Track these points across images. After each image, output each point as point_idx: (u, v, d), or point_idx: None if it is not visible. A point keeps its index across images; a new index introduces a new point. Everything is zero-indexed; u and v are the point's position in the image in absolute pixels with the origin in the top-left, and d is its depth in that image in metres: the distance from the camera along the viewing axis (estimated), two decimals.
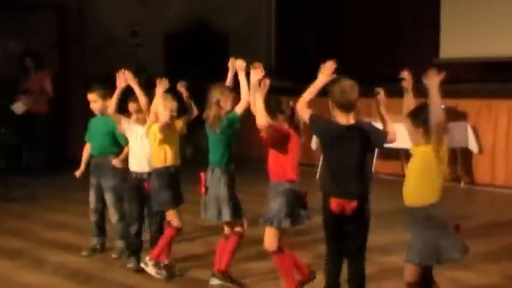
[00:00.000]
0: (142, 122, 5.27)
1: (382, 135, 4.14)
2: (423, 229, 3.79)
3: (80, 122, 11.02)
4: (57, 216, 7.46)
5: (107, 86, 5.73)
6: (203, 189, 4.77)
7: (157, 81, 5.02)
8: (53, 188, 9.24)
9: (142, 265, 5.07)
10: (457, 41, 10.71)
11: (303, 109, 4.11)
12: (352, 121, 4.05)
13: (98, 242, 5.90)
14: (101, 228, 5.91)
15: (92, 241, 5.91)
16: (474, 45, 10.42)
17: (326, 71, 4.07)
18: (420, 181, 3.85)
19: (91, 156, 5.95)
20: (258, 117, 4.22)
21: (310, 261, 5.02)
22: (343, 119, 4.03)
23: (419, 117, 3.89)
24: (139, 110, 5.27)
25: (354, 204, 4.00)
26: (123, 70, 5.28)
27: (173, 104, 5.01)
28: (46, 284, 5.03)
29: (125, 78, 5.22)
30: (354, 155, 4.06)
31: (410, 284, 3.86)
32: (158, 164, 5.07)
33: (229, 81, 5.01)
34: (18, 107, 10.01)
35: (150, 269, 5.02)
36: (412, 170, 3.89)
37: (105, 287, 4.98)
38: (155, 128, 5.00)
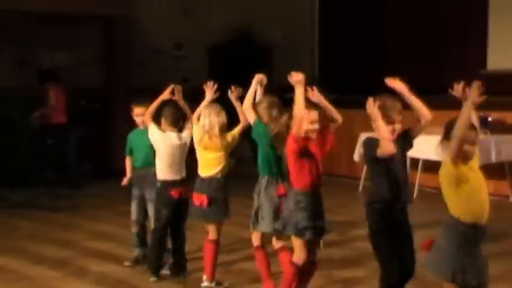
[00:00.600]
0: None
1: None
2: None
3: (124, 133, 11.20)
4: (101, 226, 7.54)
5: (152, 100, 5.80)
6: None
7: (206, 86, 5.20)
8: (98, 199, 9.39)
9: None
10: (505, 53, 10.50)
11: None
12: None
13: (140, 253, 5.94)
14: (142, 239, 5.96)
15: (134, 252, 5.95)
16: None
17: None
18: (446, 193, 3.69)
19: (134, 168, 5.99)
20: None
21: None
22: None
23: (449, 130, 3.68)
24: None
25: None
26: (175, 85, 5.32)
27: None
28: None
29: (171, 92, 5.27)
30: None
31: None
32: (211, 173, 5.08)
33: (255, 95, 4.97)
34: (33, 119, 10.18)
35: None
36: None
37: None
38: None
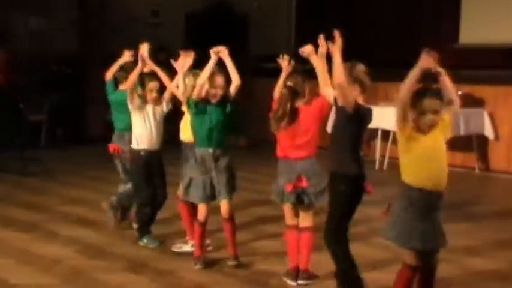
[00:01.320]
0: (157, 101, 5.38)
1: None
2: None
3: (98, 101, 11.17)
4: (72, 191, 7.56)
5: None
6: None
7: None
8: (70, 164, 9.40)
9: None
10: (477, 27, 10.60)
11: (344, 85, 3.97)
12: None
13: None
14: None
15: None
16: (493, 32, 10.30)
17: (338, 44, 4.08)
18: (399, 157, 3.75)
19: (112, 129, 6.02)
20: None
21: None
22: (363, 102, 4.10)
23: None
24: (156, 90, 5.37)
25: None
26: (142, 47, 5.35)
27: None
28: (59, 256, 5.12)
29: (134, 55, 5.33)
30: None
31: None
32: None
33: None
34: None
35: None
36: None
37: (115, 261, 5.06)
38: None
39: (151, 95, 5.38)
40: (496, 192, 8.44)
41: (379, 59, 9.95)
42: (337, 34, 4.00)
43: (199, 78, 4.73)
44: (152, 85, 5.36)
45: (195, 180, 4.84)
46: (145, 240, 5.45)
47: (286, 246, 4.63)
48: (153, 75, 5.40)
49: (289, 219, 4.55)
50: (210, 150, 4.80)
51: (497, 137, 9.08)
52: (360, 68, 4.10)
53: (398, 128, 3.64)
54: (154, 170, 5.46)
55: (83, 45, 11.65)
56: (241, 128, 10.71)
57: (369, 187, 4.10)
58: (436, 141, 3.64)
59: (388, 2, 11.95)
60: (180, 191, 5.10)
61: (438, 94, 3.68)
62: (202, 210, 4.88)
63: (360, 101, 4.05)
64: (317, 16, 13.21)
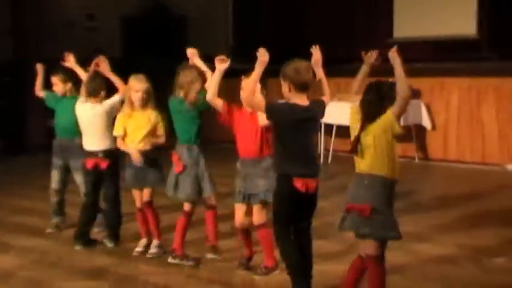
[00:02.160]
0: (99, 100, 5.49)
1: (324, 109, 4.29)
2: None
3: (37, 108, 11.00)
4: (20, 201, 7.45)
5: (67, 70, 6.03)
6: (180, 168, 4.89)
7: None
8: (14, 174, 9.23)
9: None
10: (410, 21, 10.98)
11: (252, 100, 4.17)
12: (307, 102, 4.14)
13: (60, 220, 6.12)
14: (62, 207, 6.16)
15: (54, 219, 6.10)
16: (426, 26, 10.70)
17: (261, 60, 4.12)
18: (381, 151, 3.85)
19: (54, 137, 6.02)
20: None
21: None
22: (300, 100, 4.11)
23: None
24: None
25: (316, 182, 4.17)
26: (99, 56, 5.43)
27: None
28: (14, 267, 5.07)
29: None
30: (313, 136, 4.31)
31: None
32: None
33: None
34: None
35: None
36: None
37: (74, 269, 5.05)
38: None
39: None
40: (436, 180, 8.78)
41: (322, 56, 10.20)
42: (261, 51, 4.11)
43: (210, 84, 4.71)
44: None
45: None
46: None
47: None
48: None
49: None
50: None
51: (434, 127, 9.44)
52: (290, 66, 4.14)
53: (398, 123, 3.85)
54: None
55: (18, 51, 11.43)
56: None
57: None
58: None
59: (323, 2, 12.23)
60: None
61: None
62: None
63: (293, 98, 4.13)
64: (254, 15, 13.39)
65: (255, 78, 4.10)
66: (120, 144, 5.23)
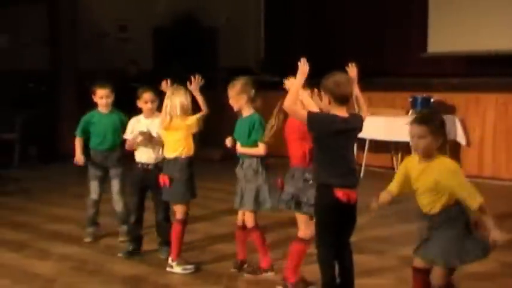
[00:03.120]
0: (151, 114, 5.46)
1: (362, 123, 4.27)
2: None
3: (71, 117, 11.11)
4: (55, 209, 7.51)
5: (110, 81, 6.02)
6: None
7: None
8: (47, 182, 9.33)
9: (168, 269, 5.15)
10: (445, 36, 10.91)
11: (294, 109, 4.16)
12: (346, 114, 4.14)
13: (96, 229, 6.17)
14: (97, 217, 6.20)
15: (90, 229, 6.14)
16: (461, 40, 10.63)
17: (302, 70, 4.11)
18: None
19: (93, 149, 6.03)
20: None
21: None
22: (340, 111, 4.11)
23: (437, 126, 3.80)
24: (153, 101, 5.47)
25: (356, 193, 4.14)
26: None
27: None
28: (54, 274, 5.10)
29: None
30: (352, 146, 4.29)
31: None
32: (175, 154, 5.15)
33: None
34: None
35: (176, 269, 5.13)
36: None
37: (111, 277, 5.06)
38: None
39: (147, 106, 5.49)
40: None
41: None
42: (302, 61, 4.09)
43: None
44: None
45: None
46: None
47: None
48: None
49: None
50: None
51: (468, 143, 9.34)
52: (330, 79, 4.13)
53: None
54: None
55: (54, 62, 11.57)
56: (215, 141, 10.78)
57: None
58: None
59: (356, 14, 12.20)
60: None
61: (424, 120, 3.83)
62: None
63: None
64: (286, 27, 13.41)
65: (296, 88, 4.10)
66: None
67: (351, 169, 4.18)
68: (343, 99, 4.09)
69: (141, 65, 11.53)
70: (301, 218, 4.56)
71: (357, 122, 4.20)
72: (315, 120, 4.12)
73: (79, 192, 8.29)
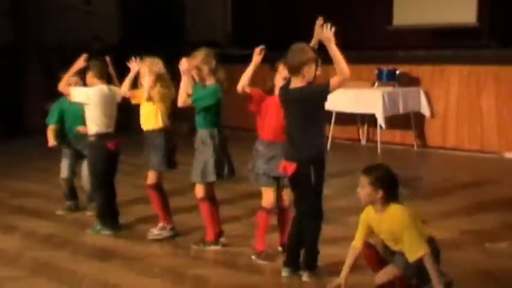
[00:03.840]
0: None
1: (324, 88, 4.10)
2: None
3: (37, 91, 10.97)
4: (21, 184, 7.45)
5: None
6: None
7: None
8: (13, 156, 9.23)
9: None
10: (409, 9, 10.98)
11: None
12: (300, 84, 4.12)
13: (73, 203, 6.16)
14: (74, 192, 6.19)
15: (66, 203, 6.14)
16: (425, 13, 10.70)
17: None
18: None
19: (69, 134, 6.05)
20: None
21: None
22: (294, 83, 4.16)
23: (377, 178, 3.80)
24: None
25: (294, 166, 4.18)
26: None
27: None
28: (21, 248, 5.08)
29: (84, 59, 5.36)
30: (294, 117, 4.22)
31: None
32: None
33: None
34: None
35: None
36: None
37: (79, 250, 5.06)
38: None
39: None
40: (435, 167, 8.80)
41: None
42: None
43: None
44: None
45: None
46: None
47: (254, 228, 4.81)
48: None
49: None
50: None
51: (433, 115, 9.47)
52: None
53: None
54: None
55: (18, 34, 11.34)
56: (183, 115, 10.76)
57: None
58: None
59: None
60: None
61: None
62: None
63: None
64: (252, 1, 13.34)
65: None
66: None
67: (291, 140, 4.20)
68: (290, 70, 4.17)
69: (104, 40, 11.38)
70: (262, 188, 4.66)
71: (296, 94, 4.12)
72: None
73: (44, 166, 8.28)
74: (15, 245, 5.19)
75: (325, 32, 4.07)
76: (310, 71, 4.12)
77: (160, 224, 5.32)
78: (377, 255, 3.97)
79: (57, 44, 10.91)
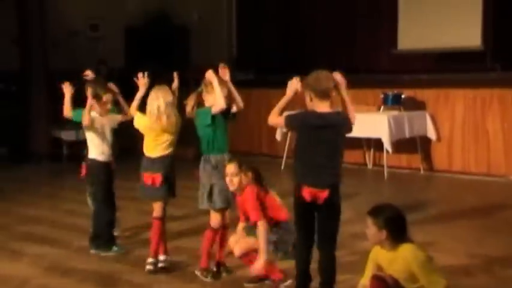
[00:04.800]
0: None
1: (346, 120, 4.19)
2: None
3: (42, 117, 11.04)
4: (27, 210, 7.44)
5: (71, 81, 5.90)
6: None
7: None
8: (19, 182, 9.23)
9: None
10: (414, 33, 11.04)
11: (276, 120, 4.26)
12: (328, 110, 4.14)
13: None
14: None
15: None
16: (430, 37, 10.76)
17: (292, 86, 4.22)
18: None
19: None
20: None
21: None
22: (321, 108, 4.13)
23: (381, 219, 3.80)
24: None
25: (326, 193, 4.13)
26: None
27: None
28: (27, 276, 5.07)
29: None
30: (330, 145, 4.18)
31: None
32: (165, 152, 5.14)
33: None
34: None
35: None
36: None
37: (85, 278, 5.05)
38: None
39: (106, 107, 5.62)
40: (442, 191, 8.75)
41: (321, 67, 10.24)
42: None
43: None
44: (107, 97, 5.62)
45: (218, 186, 4.80)
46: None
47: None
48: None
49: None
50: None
51: (439, 138, 9.46)
52: (311, 76, 4.18)
53: None
54: None
55: (24, 61, 11.44)
56: (189, 140, 10.78)
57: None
58: None
59: (327, 11, 12.30)
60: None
61: None
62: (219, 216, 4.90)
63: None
64: (258, 25, 13.45)
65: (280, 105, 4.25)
66: None
67: (324, 167, 4.12)
68: (323, 93, 4.10)
69: (109, 65, 11.47)
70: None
71: (338, 118, 4.14)
72: (291, 119, 4.24)
73: (51, 193, 8.30)
74: (22, 272, 5.17)
75: (336, 76, 4.14)
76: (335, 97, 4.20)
77: (164, 257, 5.23)
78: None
79: (64, 70, 10.97)
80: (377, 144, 9.54)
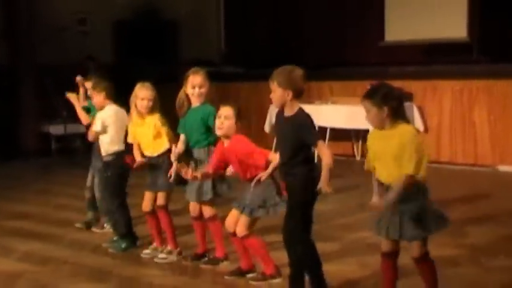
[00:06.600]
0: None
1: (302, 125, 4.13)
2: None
3: (31, 112, 11.01)
4: (17, 206, 7.45)
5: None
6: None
7: None
8: (9, 179, 9.22)
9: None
10: (401, 25, 11.11)
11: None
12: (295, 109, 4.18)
13: (92, 216, 6.21)
14: (94, 203, 6.16)
15: (88, 215, 6.22)
16: (418, 28, 10.83)
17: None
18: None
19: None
20: None
21: None
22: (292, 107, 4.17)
23: (379, 97, 3.74)
24: None
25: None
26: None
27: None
28: (19, 271, 5.09)
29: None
30: (287, 142, 4.24)
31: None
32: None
33: None
34: None
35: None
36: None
37: (77, 271, 5.08)
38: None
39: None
40: (429, 181, 8.75)
41: (310, 60, 10.33)
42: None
43: None
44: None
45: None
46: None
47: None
48: None
49: None
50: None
51: (426, 129, 9.53)
52: (298, 73, 4.16)
53: None
54: None
55: (12, 56, 11.40)
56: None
57: None
58: None
59: (316, 5, 12.34)
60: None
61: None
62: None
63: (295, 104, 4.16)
64: (247, 19, 13.46)
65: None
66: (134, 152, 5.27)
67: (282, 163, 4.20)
68: (301, 93, 4.16)
69: (98, 60, 11.45)
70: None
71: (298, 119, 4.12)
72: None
73: (40, 189, 8.30)
74: (14, 267, 5.20)
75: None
76: None
77: (168, 248, 5.28)
78: (393, 269, 3.99)
79: (52, 65, 10.97)
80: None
